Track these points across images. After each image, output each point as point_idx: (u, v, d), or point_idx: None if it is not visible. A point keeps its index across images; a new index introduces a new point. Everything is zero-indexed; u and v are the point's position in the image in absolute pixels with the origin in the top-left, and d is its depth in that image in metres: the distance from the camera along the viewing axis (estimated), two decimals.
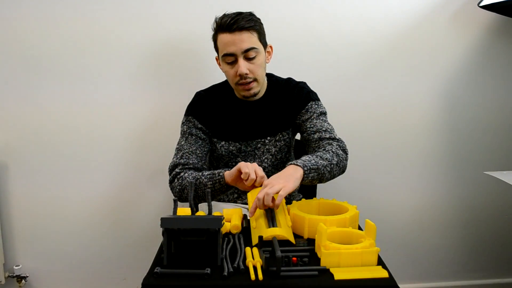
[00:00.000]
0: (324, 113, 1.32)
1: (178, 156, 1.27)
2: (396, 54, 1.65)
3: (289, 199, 1.38)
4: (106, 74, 1.58)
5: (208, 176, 1.17)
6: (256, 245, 0.95)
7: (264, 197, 0.99)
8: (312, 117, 1.29)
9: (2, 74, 1.55)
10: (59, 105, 1.59)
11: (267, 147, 1.33)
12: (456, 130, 1.73)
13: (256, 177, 1.06)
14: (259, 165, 1.10)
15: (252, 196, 1.09)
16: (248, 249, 0.93)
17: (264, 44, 1.27)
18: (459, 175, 1.77)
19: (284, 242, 0.97)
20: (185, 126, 1.33)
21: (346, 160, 1.22)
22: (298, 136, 1.42)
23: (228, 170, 1.15)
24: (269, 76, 1.37)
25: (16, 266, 1.67)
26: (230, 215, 1.08)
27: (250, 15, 1.22)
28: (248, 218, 1.09)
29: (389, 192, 1.77)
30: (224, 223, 0.97)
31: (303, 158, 1.12)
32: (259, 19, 1.24)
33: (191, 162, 1.26)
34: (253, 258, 0.88)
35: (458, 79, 1.69)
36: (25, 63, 1.55)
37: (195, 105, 1.34)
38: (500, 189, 1.78)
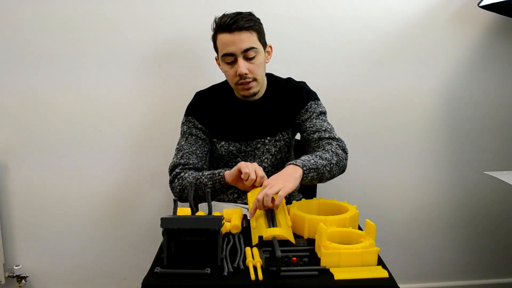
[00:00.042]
0: (323, 113, 1.32)
1: (178, 156, 1.27)
2: (396, 54, 1.65)
3: (289, 199, 1.38)
4: (106, 74, 1.58)
5: (208, 176, 1.17)
6: (256, 245, 0.95)
7: (264, 198, 0.99)
8: (312, 117, 1.29)
9: (2, 74, 1.55)
10: (59, 106, 1.59)
11: (267, 147, 1.33)
12: (456, 130, 1.73)
13: (256, 177, 1.06)
14: (259, 165, 1.10)
15: (252, 196, 1.09)
16: (248, 249, 0.93)
17: (264, 44, 1.27)
18: (459, 175, 1.77)
19: (284, 242, 0.97)
20: (185, 126, 1.33)
21: (346, 159, 1.22)
22: (298, 136, 1.42)
23: (228, 170, 1.15)
24: (269, 76, 1.37)
25: (16, 266, 1.67)
26: (230, 215, 1.08)
27: (250, 15, 1.22)
28: (248, 218, 1.09)
29: (389, 192, 1.77)
30: (224, 223, 0.97)
31: (303, 158, 1.12)
32: (258, 19, 1.24)
33: (191, 162, 1.26)
34: (253, 258, 0.88)
35: (458, 79, 1.69)
36: (25, 63, 1.55)
37: (195, 105, 1.34)
38: (500, 189, 1.78)
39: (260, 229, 0.99)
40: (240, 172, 1.08)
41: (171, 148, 1.35)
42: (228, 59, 1.22)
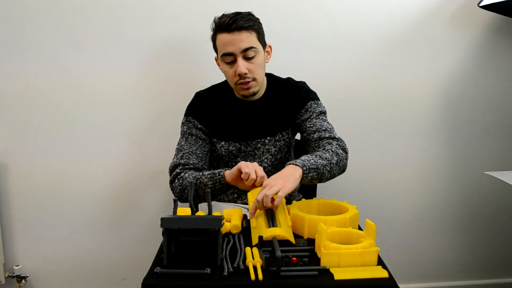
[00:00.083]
0: (323, 113, 1.32)
1: (179, 157, 1.27)
2: (396, 54, 1.65)
3: (289, 199, 1.38)
4: (106, 75, 1.58)
5: (209, 176, 1.17)
6: (256, 245, 0.96)
7: (263, 199, 0.99)
8: (312, 117, 1.29)
9: (2, 74, 1.55)
10: (59, 106, 1.59)
11: (267, 147, 1.33)
12: (456, 130, 1.73)
13: (256, 177, 1.06)
14: (259, 165, 1.10)
15: (252, 196, 1.09)
16: (248, 249, 0.93)
17: (263, 44, 1.27)
18: (459, 175, 1.77)
19: (284, 242, 0.97)
20: (185, 127, 1.33)
21: (346, 159, 1.22)
22: (298, 136, 1.42)
23: (228, 169, 1.15)
24: (269, 76, 1.37)
25: (16, 266, 1.67)
26: (230, 215, 1.08)
27: (249, 15, 1.22)
28: (248, 218, 1.09)
29: (389, 192, 1.77)
30: (224, 223, 0.97)
31: (303, 157, 1.12)
32: (258, 19, 1.25)
33: (191, 162, 1.26)
34: (253, 258, 0.88)
35: (458, 78, 1.69)
36: (25, 62, 1.55)
37: (195, 105, 1.34)
38: (500, 189, 1.78)
39: (260, 229, 0.99)
40: (240, 172, 1.08)
41: (171, 148, 1.35)
42: (227, 59, 1.22)
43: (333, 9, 1.60)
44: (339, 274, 0.83)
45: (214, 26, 1.23)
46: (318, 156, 1.13)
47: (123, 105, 1.61)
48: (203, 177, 1.18)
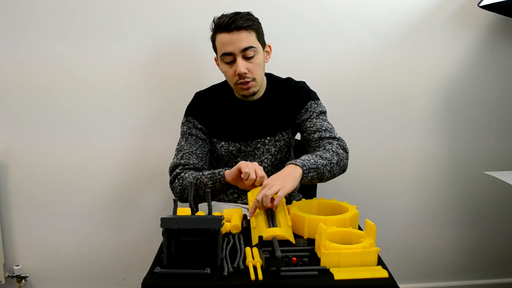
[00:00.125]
0: (324, 112, 1.32)
1: (179, 157, 1.27)
2: (396, 54, 1.65)
3: (289, 199, 1.38)
4: (106, 75, 1.58)
5: (209, 176, 1.17)
6: (256, 245, 0.96)
7: (263, 199, 0.99)
8: (312, 117, 1.29)
9: (2, 75, 1.55)
10: (59, 106, 1.59)
11: (266, 147, 1.33)
12: (456, 130, 1.73)
13: (256, 176, 1.06)
14: (259, 165, 1.10)
15: (252, 196, 1.09)
16: (248, 249, 0.93)
17: (263, 44, 1.27)
18: (459, 175, 1.77)
19: (284, 242, 0.97)
20: (185, 127, 1.33)
21: (347, 159, 1.22)
22: (298, 136, 1.42)
23: (228, 169, 1.15)
24: (268, 76, 1.37)
25: (16, 266, 1.67)
26: (230, 215, 1.08)
27: (248, 14, 1.22)
28: (248, 218, 1.09)
29: (389, 192, 1.77)
30: (224, 223, 0.97)
31: (303, 157, 1.12)
32: (257, 19, 1.25)
33: (191, 162, 1.26)
34: (253, 258, 0.88)
35: (458, 79, 1.69)
36: (25, 63, 1.55)
37: (195, 106, 1.34)
38: (500, 189, 1.78)
39: (260, 229, 0.99)
40: (240, 171, 1.08)
41: (171, 148, 1.35)
42: (227, 58, 1.22)
43: (333, 9, 1.60)
44: (339, 274, 0.83)
45: (213, 26, 1.23)
46: (318, 156, 1.13)
47: (123, 105, 1.61)
48: (203, 177, 1.18)
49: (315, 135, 1.25)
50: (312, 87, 1.37)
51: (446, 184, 1.77)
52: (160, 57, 1.59)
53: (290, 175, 1.05)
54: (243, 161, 1.10)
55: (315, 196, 1.51)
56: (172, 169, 1.27)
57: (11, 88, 1.57)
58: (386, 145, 1.72)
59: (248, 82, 1.24)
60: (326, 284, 0.82)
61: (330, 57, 1.63)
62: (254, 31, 1.21)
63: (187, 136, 1.31)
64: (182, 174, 1.23)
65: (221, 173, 1.16)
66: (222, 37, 1.20)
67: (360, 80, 1.66)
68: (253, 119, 1.32)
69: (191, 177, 1.20)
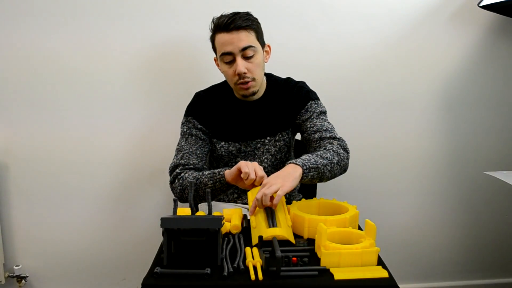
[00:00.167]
0: (324, 112, 1.32)
1: (179, 157, 1.27)
2: (396, 53, 1.65)
3: (289, 199, 1.38)
4: (106, 75, 1.58)
5: (209, 176, 1.17)
6: (256, 245, 0.96)
7: (262, 197, 0.99)
8: (312, 117, 1.29)
9: (2, 75, 1.55)
10: (59, 106, 1.59)
11: (266, 147, 1.33)
12: (456, 130, 1.73)
13: (256, 176, 1.06)
14: (258, 165, 1.10)
15: (252, 195, 1.09)
16: (248, 249, 0.93)
17: (262, 44, 1.27)
18: (459, 175, 1.77)
19: (284, 242, 0.97)
20: (185, 127, 1.33)
21: (348, 159, 1.22)
22: (298, 136, 1.42)
23: (228, 169, 1.16)
24: (268, 76, 1.37)
25: (16, 266, 1.67)
26: (230, 215, 1.08)
27: (247, 14, 1.22)
28: (248, 218, 1.09)
29: (389, 192, 1.77)
30: (224, 223, 0.97)
31: (303, 157, 1.12)
32: (256, 19, 1.25)
33: (191, 162, 1.26)
34: (253, 258, 0.88)
35: (458, 78, 1.69)
36: (25, 62, 1.55)
37: (195, 106, 1.34)
38: (500, 189, 1.78)
39: (260, 229, 0.99)
40: (240, 171, 1.08)
41: (171, 148, 1.35)
42: (226, 58, 1.22)
43: (333, 9, 1.60)
44: (339, 274, 0.83)
45: (212, 27, 1.23)
46: (318, 156, 1.13)
47: (123, 105, 1.61)
48: (203, 177, 1.18)
49: (316, 135, 1.25)
50: (312, 87, 1.37)
51: (446, 184, 1.78)
52: (160, 57, 1.59)
53: (290, 174, 1.05)
54: (243, 161, 1.10)
55: (315, 196, 1.51)
56: (172, 169, 1.27)
57: (11, 88, 1.56)
58: (386, 145, 1.72)
59: (248, 82, 1.24)
60: (326, 284, 0.82)
61: (330, 57, 1.63)
62: (254, 31, 1.21)
63: (187, 136, 1.31)
64: (182, 174, 1.23)
65: (221, 173, 1.16)
66: (221, 37, 1.20)
67: (360, 80, 1.66)
68: (253, 119, 1.32)
69: (191, 177, 1.20)
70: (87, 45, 1.55)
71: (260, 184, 1.07)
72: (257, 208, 1.04)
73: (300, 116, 1.31)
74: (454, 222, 1.81)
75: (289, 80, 1.37)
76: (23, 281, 1.68)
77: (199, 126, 1.31)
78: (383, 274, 0.84)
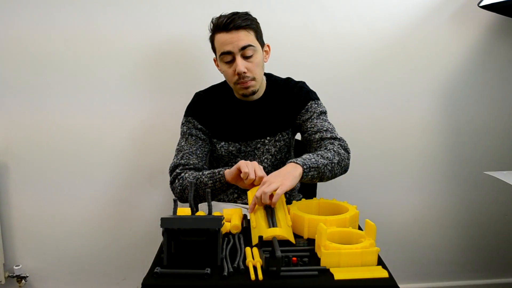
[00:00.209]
0: (324, 112, 1.32)
1: (179, 157, 1.27)
2: (396, 54, 1.65)
3: (289, 199, 1.38)
4: (106, 75, 1.58)
5: (209, 175, 1.17)
6: (256, 245, 0.96)
7: (261, 196, 0.99)
8: (313, 117, 1.29)
9: (2, 75, 1.55)
10: (59, 106, 1.59)
11: (266, 147, 1.33)
12: (456, 130, 1.73)
13: (255, 176, 1.06)
14: (258, 164, 1.10)
15: (252, 195, 1.09)
16: (248, 249, 0.93)
17: (262, 43, 1.27)
18: (459, 175, 1.77)
19: (284, 242, 0.97)
20: (185, 127, 1.33)
21: (348, 159, 1.22)
22: (298, 136, 1.42)
23: (228, 168, 1.16)
24: (268, 76, 1.37)
25: (16, 266, 1.67)
26: (230, 215, 1.08)
27: (246, 14, 1.22)
28: (248, 218, 1.09)
29: (389, 192, 1.77)
30: (224, 223, 0.97)
31: (304, 156, 1.13)
32: (255, 19, 1.25)
33: (191, 162, 1.26)
34: (253, 258, 0.88)
35: (458, 79, 1.69)
36: (25, 64, 1.55)
37: (195, 106, 1.34)
38: (500, 189, 1.78)
39: (260, 229, 0.99)
40: (239, 171, 1.08)
41: (171, 148, 1.35)
42: (226, 58, 1.22)
43: (333, 9, 1.60)
44: (339, 274, 0.83)
45: (212, 27, 1.23)
46: (319, 155, 1.14)
47: (123, 105, 1.61)
48: (203, 177, 1.18)
49: (316, 136, 1.25)
50: (312, 87, 1.37)
51: (446, 184, 1.77)
52: (160, 57, 1.59)
53: (290, 173, 1.05)
54: (242, 161, 1.10)
55: (315, 196, 1.51)
56: (172, 169, 1.27)
57: (11, 88, 1.56)
58: (386, 145, 1.72)
59: (248, 81, 1.24)
60: (326, 284, 0.82)
61: (330, 57, 1.63)
62: (253, 30, 1.22)
63: (187, 136, 1.31)
64: (182, 174, 1.23)
65: (221, 172, 1.16)
66: (221, 37, 1.20)
67: (360, 80, 1.66)
68: (253, 119, 1.32)
69: (191, 177, 1.20)
70: (87, 45, 1.55)
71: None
72: (257, 206, 1.04)
73: (300, 116, 1.31)
74: (454, 222, 1.81)
75: (289, 80, 1.37)
76: (23, 281, 1.68)
77: (199, 126, 1.31)
78: (383, 274, 0.84)
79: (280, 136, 1.33)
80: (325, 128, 1.25)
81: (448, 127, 1.73)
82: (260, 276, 0.82)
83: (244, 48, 1.19)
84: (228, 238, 1.01)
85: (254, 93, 1.28)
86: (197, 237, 0.87)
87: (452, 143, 1.74)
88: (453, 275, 1.86)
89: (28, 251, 1.70)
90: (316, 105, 1.31)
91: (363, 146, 1.69)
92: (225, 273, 0.83)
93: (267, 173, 1.11)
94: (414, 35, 1.63)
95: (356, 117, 1.68)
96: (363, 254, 0.87)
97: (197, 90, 1.39)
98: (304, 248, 0.96)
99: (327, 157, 1.14)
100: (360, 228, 1.07)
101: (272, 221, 1.02)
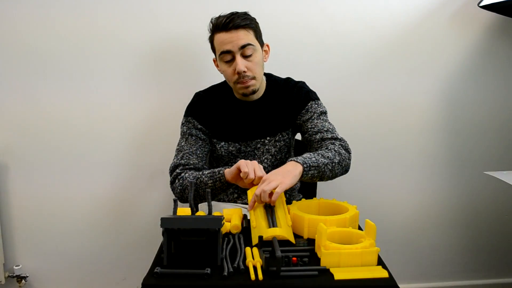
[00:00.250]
0: (324, 113, 1.32)
1: (179, 157, 1.27)
2: (396, 53, 1.65)
3: (289, 199, 1.38)
4: (106, 74, 1.59)
5: (209, 175, 1.17)
6: (256, 245, 0.96)
7: (261, 194, 0.99)
8: (313, 117, 1.29)
9: (2, 74, 1.55)
10: (59, 105, 1.59)
11: (266, 147, 1.33)
12: (456, 130, 1.73)
13: (255, 176, 1.06)
14: (258, 164, 1.10)
15: (251, 194, 1.09)
16: (248, 249, 0.93)
17: (261, 43, 1.27)
18: (459, 175, 1.77)
19: (284, 242, 0.97)
20: (185, 127, 1.33)
21: (349, 159, 1.22)
22: (298, 136, 1.42)
23: (228, 168, 1.16)
24: (268, 76, 1.37)
25: (16, 266, 1.67)
26: (230, 215, 1.08)
27: (245, 14, 1.23)
28: (248, 218, 1.09)
29: (389, 192, 1.77)
30: (224, 223, 0.97)
31: (304, 155, 1.13)
32: (254, 18, 1.25)
33: (191, 162, 1.26)
34: (253, 258, 0.88)
35: (458, 79, 1.69)
36: (25, 62, 1.55)
37: (195, 106, 1.34)
38: (500, 189, 1.78)
39: (260, 229, 0.99)
40: (239, 170, 1.08)
41: (171, 148, 1.35)
42: (226, 57, 1.22)
43: (333, 9, 1.60)
44: (339, 274, 0.83)
45: (211, 27, 1.23)
46: (320, 155, 1.14)
47: (123, 106, 1.61)
48: (203, 176, 1.18)
49: (317, 136, 1.25)
50: (312, 87, 1.37)
51: (446, 184, 1.77)
52: (160, 57, 1.59)
53: (290, 172, 1.05)
54: (242, 160, 1.10)
55: (315, 196, 1.51)
56: (173, 169, 1.27)
57: (12, 88, 1.56)
58: (386, 145, 1.72)
59: (248, 80, 1.24)
60: (326, 284, 0.82)
61: (330, 57, 1.63)
62: (252, 30, 1.22)
63: (187, 136, 1.31)
64: (183, 174, 1.23)
65: (221, 172, 1.16)
66: (220, 37, 1.20)
67: (360, 80, 1.66)
68: (253, 119, 1.32)
69: (191, 177, 1.20)
70: (87, 46, 1.55)
71: None
72: (256, 204, 1.04)
73: (300, 117, 1.31)
74: (454, 222, 1.81)
75: (289, 80, 1.37)
76: (23, 281, 1.68)
77: (199, 126, 1.31)
78: (383, 274, 0.84)
79: (280, 136, 1.33)
80: (325, 129, 1.25)
81: (448, 127, 1.73)
82: (260, 276, 0.82)
83: (243, 47, 1.19)
84: (228, 238, 1.01)
85: (254, 92, 1.28)
86: (197, 237, 0.87)
87: (452, 143, 1.74)
88: (453, 275, 1.86)
89: (28, 251, 1.70)
90: (316, 105, 1.31)
91: (363, 146, 1.69)
92: (225, 273, 0.83)
93: (267, 173, 1.11)
94: (414, 35, 1.63)
95: (356, 117, 1.68)
96: (363, 254, 0.87)
97: (197, 90, 1.39)
98: (304, 248, 0.96)
99: (328, 157, 1.14)
100: (360, 228, 1.07)
101: (272, 221, 1.02)
